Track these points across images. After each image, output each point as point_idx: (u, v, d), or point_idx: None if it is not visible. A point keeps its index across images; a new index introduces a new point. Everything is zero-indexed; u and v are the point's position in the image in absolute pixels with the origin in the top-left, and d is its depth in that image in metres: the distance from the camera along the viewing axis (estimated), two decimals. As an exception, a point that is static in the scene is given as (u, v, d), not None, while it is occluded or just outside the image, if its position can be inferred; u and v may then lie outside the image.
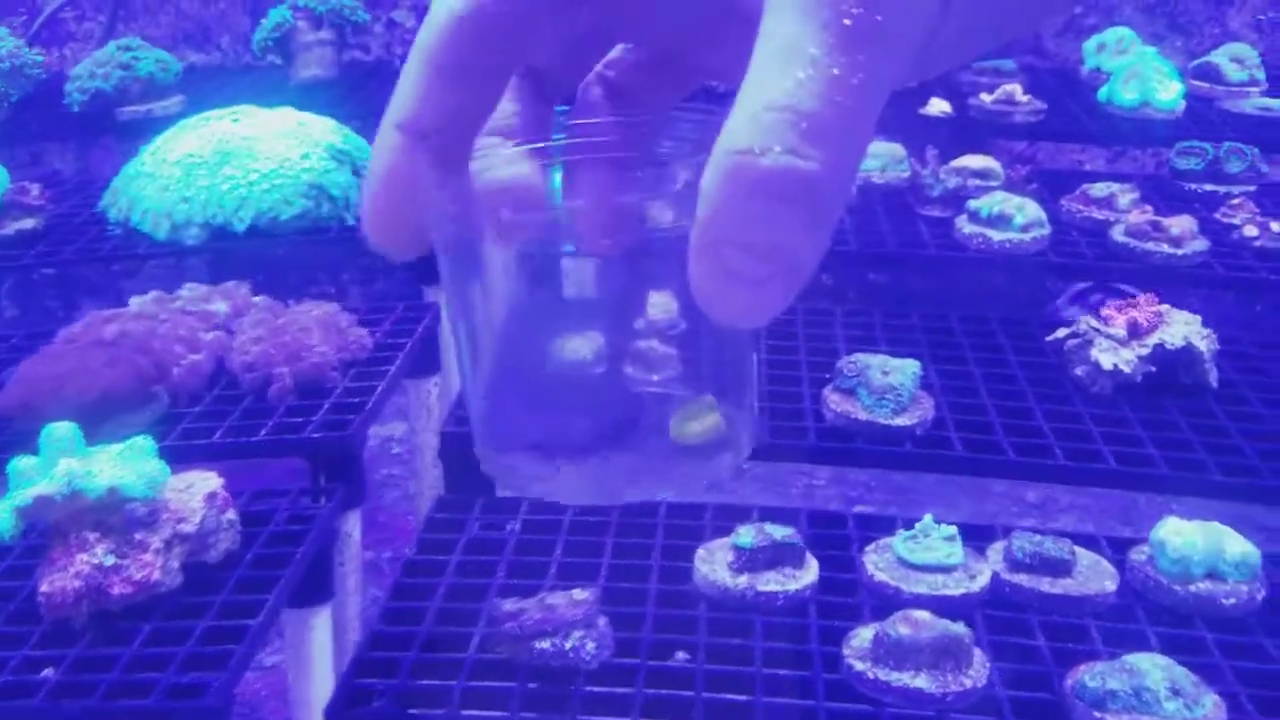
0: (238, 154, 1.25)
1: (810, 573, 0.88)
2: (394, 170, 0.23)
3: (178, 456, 0.97)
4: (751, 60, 0.19)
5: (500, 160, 0.25)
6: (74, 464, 0.84)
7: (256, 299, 1.20)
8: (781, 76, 0.18)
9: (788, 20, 0.18)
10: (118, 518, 0.85)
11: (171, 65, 1.53)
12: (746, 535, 0.87)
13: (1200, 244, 1.25)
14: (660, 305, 0.25)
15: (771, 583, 0.86)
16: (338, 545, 1.02)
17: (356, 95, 1.59)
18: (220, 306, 1.16)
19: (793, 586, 0.86)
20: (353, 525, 1.04)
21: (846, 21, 0.18)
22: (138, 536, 0.85)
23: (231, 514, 0.91)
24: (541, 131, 0.26)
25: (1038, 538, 0.90)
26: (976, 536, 0.94)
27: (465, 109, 0.24)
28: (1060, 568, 0.88)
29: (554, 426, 0.26)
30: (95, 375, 0.98)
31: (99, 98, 1.48)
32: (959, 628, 0.78)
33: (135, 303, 1.15)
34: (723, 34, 0.24)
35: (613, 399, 0.26)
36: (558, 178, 0.26)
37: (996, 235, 1.26)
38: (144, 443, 0.87)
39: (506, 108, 0.25)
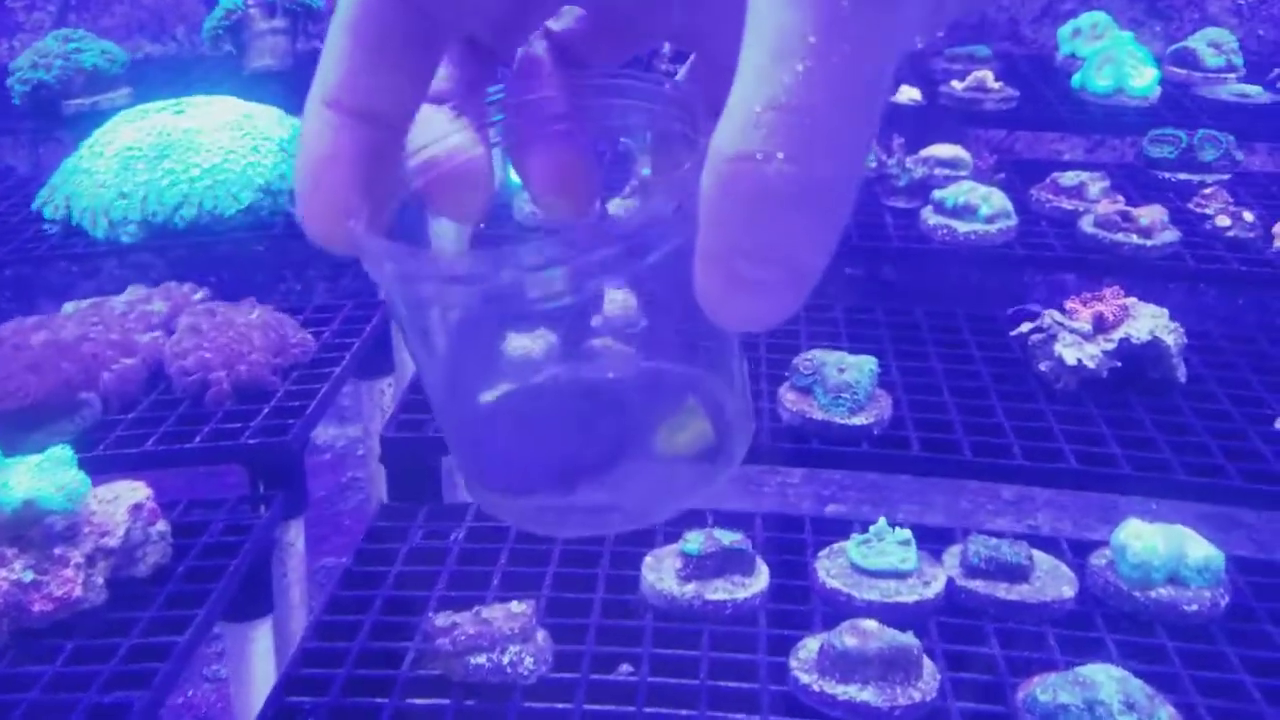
0: (178, 147, 1.21)
1: (760, 580, 0.85)
2: (329, 153, 0.21)
3: (109, 465, 0.94)
4: (743, 48, 0.17)
5: (440, 155, 0.23)
6: (-11, 477, 0.81)
7: (198, 295, 1.16)
8: (779, 70, 0.16)
9: (783, 5, 0.17)
10: (36, 532, 0.82)
11: (118, 56, 1.48)
12: (694, 541, 0.84)
13: (1171, 234, 1.22)
14: (617, 302, 0.24)
15: (720, 591, 0.83)
16: (278, 555, 0.98)
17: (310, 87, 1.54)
18: (159, 306, 1.12)
19: (741, 595, 0.83)
20: (295, 535, 1.00)
21: (845, 2, 0.16)
22: (57, 551, 0.82)
23: (161, 525, 0.88)
24: (479, 98, 0.24)
25: (994, 541, 0.87)
26: (934, 539, 0.92)
27: (394, 85, 0.22)
28: (1017, 573, 0.85)
29: (540, 461, 0.25)
30: (19, 382, 0.94)
31: (41, 89, 1.43)
32: (908, 638, 0.75)
33: (69, 308, 1.11)
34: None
35: (595, 424, 0.25)
36: (510, 171, 0.25)
37: (962, 226, 1.23)
38: (63, 453, 0.84)
39: (441, 72, 0.23)
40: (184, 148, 1.21)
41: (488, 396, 0.25)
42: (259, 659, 0.94)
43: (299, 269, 1.91)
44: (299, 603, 1.03)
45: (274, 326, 1.06)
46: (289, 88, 1.54)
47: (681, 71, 0.25)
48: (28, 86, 1.42)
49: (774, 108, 0.16)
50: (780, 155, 0.16)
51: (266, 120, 1.28)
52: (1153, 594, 0.84)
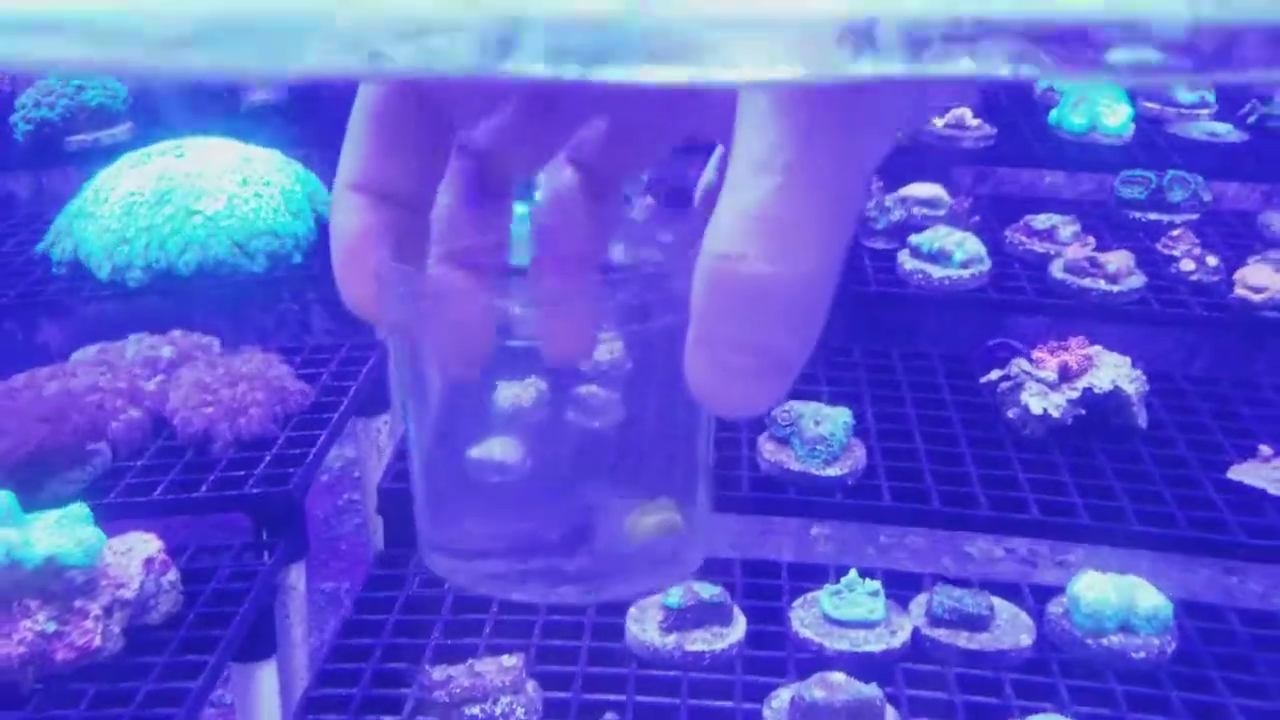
0: (180, 194, 1.25)
1: (737, 630, 0.90)
2: (358, 233, 0.24)
3: (120, 513, 0.99)
4: (730, 163, 0.19)
5: (444, 295, 0.24)
6: (11, 534, 0.86)
7: (203, 340, 1.20)
8: (757, 182, 0.19)
9: (764, 125, 0.19)
10: (57, 585, 0.87)
11: (119, 92, 1.52)
12: (675, 595, 0.89)
13: (1136, 280, 1.27)
14: (604, 348, 0.25)
15: (699, 642, 0.89)
16: (281, 598, 1.04)
17: (307, 122, 1.58)
18: (166, 352, 1.17)
19: (719, 646, 0.89)
20: (296, 577, 1.05)
21: (823, 127, 0.18)
22: (77, 604, 0.87)
23: (172, 575, 0.93)
24: (492, 230, 0.25)
25: (958, 592, 0.92)
26: (903, 585, 0.97)
27: (411, 169, 0.24)
28: (978, 623, 0.91)
29: (506, 532, 0.26)
30: (32, 433, 0.99)
31: (45, 127, 1.47)
32: (871, 690, 0.81)
33: (78, 356, 1.16)
34: (696, 102, 0.24)
35: (565, 505, 0.26)
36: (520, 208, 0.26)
37: (937, 272, 1.28)
38: (80, 510, 0.89)
39: (452, 205, 0.24)
40: (185, 194, 1.25)
41: (476, 452, 0.26)
42: (265, 698, 0.99)
43: (297, 292, 1.94)
44: (301, 640, 1.08)
45: (274, 378, 1.11)
46: (286, 119, 1.58)
47: (711, 165, 0.27)
48: (31, 125, 1.46)
49: (751, 215, 0.19)
50: (753, 255, 0.19)
51: (266, 165, 1.32)
52: (1104, 641, 0.90)
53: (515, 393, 0.27)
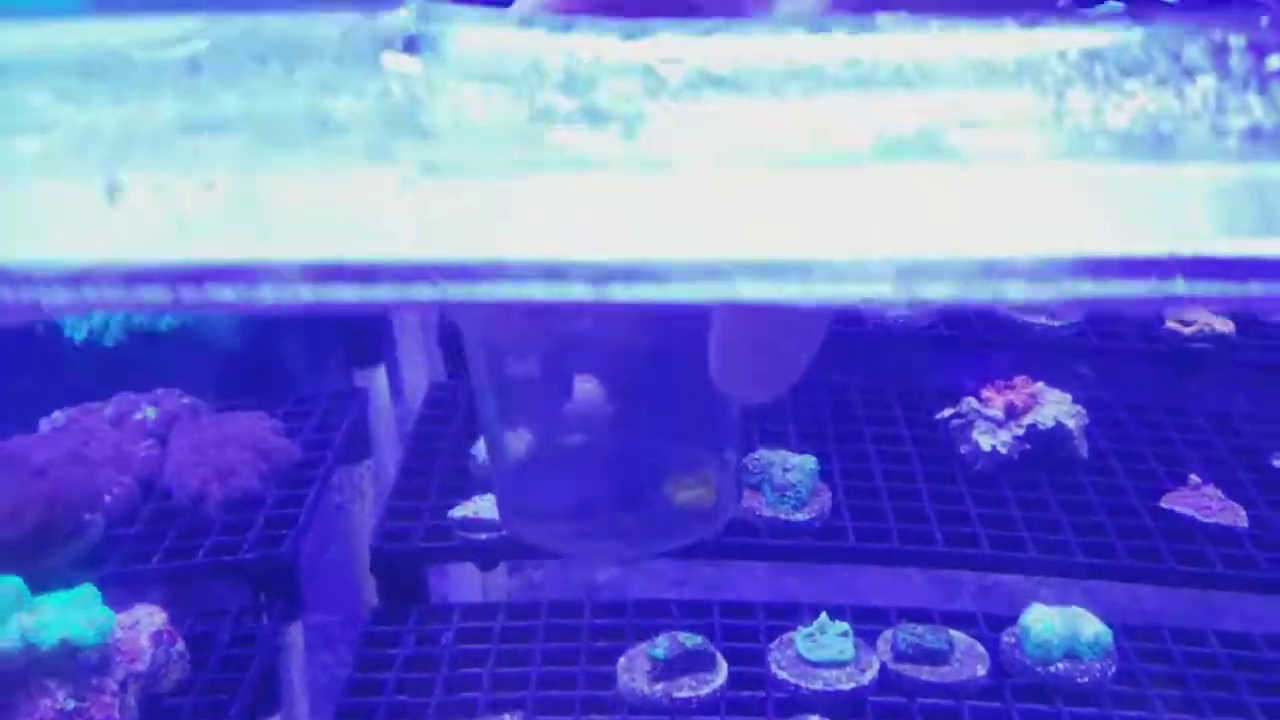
0: (159, 256, 1.27)
1: (720, 675, 0.97)
2: None
3: (119, 582, 1.02)
4: None
5: None
6: (25, 619, 0.89)
7: (186, 400, 1.23)
8: None
9: None
10: (72, 664, 0.90)
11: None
12: (661, 646, 0.96)
13: (1075, 314, 1.36)
14: (583, 390, 0.28)
15: (685, 689, 0.95)
16: (282, 656, 1.08)
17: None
18: (150, 413, 1.19)
19: (704, 691, 0.96)
20: (295, 635, 1.10)
21: None
22: (94, 681, 0.91)
23: (179, 646, 0.97)
24: None
25: (919, 629, 1.01)
26: (871, 619, 1.05)
27: None
28: (938, 657, 0.99)
29: (570, 496, 0.30)
30: (29, 512, 1.01)
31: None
32: (844, 731, 0.89)
33: (59, 417, 1.17)
34: None
35: (618, 474, 0.30)
36: None
37: (891, 310, 1.35)
38: (89, 591, 0.92)
39: None
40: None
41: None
42: (270, 750, 1.04)
43: (276, 347, 1.96)
44: (302, 691, 1.12)
45: (260, 437, 1.14)
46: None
47: None
48: None
49: None
50: None
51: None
52: (1051, 668, 0.99)
53: (509, 444, 0.30)
